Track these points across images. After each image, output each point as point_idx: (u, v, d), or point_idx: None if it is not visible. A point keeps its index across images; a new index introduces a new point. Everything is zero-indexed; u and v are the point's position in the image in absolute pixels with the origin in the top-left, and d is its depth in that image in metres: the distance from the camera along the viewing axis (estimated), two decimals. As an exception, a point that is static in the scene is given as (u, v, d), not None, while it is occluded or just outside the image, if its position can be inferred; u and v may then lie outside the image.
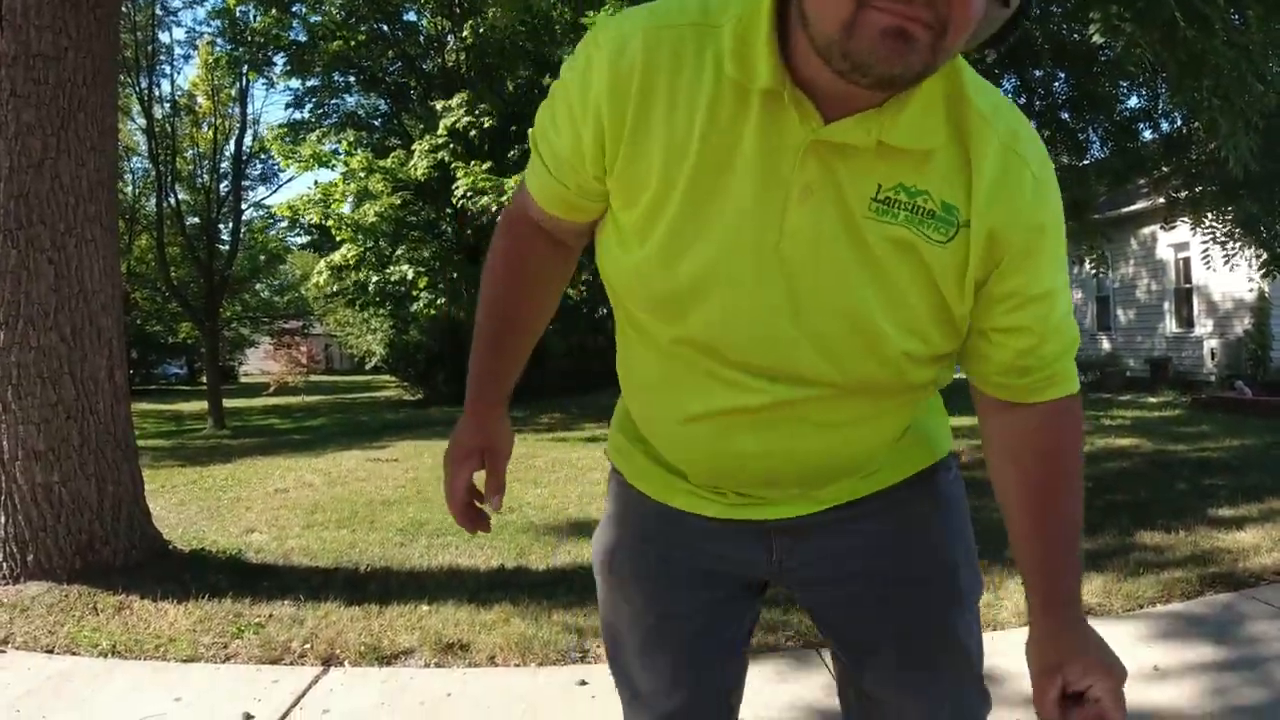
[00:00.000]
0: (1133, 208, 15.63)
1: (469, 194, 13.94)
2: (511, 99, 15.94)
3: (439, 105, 15.40)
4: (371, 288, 16.64)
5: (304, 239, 21.36)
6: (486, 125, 14.74)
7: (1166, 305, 16.44)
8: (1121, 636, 3.75)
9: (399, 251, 15.33)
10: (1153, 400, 13.83)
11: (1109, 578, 4.41)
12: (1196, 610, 4.03)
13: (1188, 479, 7.14)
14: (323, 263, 16.29)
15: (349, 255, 15.64)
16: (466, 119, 14.70)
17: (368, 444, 13.47)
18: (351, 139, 17.34)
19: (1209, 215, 8.82)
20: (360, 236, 15.31)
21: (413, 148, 15.24)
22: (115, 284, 4.85)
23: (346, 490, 8.98)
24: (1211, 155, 8.07)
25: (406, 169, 14.99)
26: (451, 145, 14.77)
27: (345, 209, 15.80)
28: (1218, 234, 8.75)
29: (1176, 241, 15.70)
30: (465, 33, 15.53)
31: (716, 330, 1.07)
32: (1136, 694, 3.20)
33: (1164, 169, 9.09)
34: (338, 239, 15.72)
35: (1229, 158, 5.45)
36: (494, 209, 13.83)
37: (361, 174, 15.19)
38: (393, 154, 15.57)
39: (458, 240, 16.63)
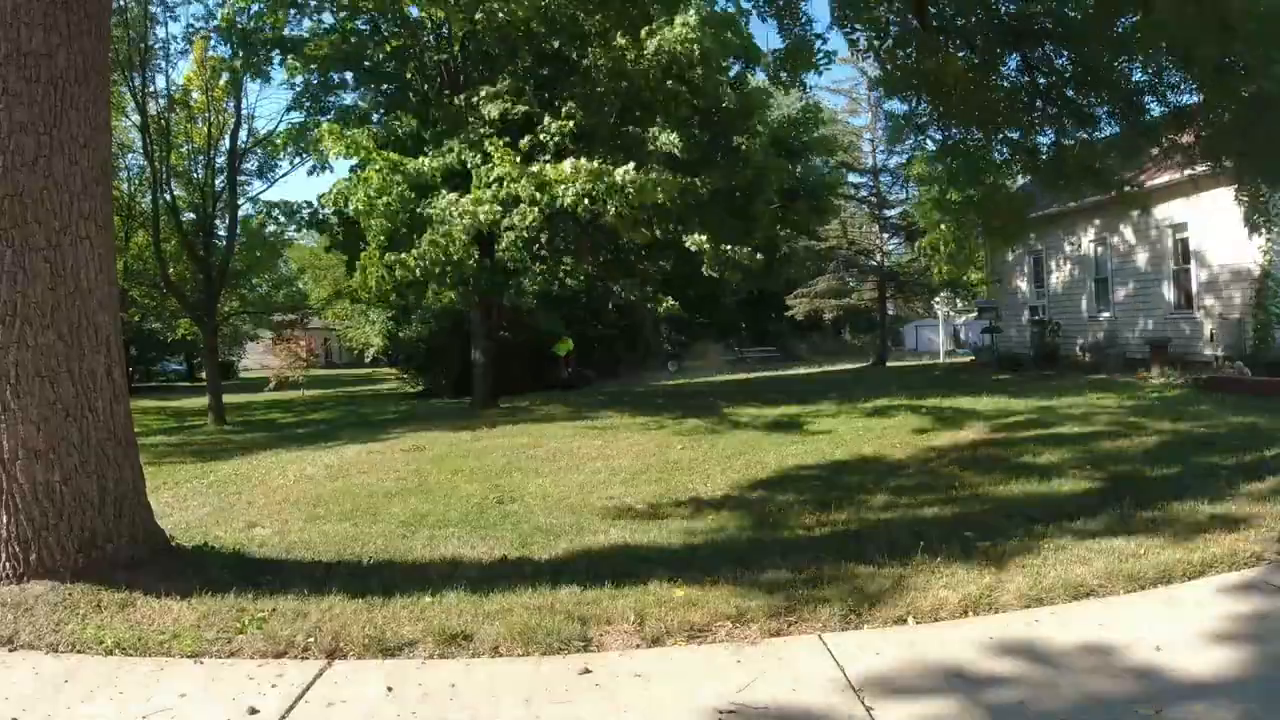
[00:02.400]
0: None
1: (503, 179, 13.90)
2: (513, 90, 15.88)
3: (482, 91, 15.21)
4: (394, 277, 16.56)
5: (304, 233, 21.19)
6: (521, 112, 14.74)
7: (1165, 286, 16.40)
8: (1122, 617, 3.76)
9: (424, 241, 15.18)
10: (1154, 381, 13.83)
11: (1110, 559, 4.42)
12: (1198, 590, 4.04)
13: (1189, 460, 7.14)
14: (377, 258, 15.66)
15: (424, 254, 15.10)
16: (523, 108, 14.60)
17: (369, 437, 13.48)
18: (352, 134, 17.19)
19: (1237, 185, 8.68)
20: (400, 225, 15.05)
21: (447, 144, 15.10)
22: (111, 281, 4.84)
23: (349, 483, 9.00)
24: (1228, 125, 7.98)
25: (443, 161, 14.85)
26: (491, 136, 14.71)
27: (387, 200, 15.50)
28: (1259, 198, 8.55)
29: (1175, 221, 15.66)
30: (474, 21, 15.42)
31: None
32: (1140, 673, 3.22)
33: (1176, 139, 8.98)
34: (367, 223, 15.29)
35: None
36: (528, 200, 13.82)
37: (392, 171, 14.99)
38: (425, 157, 15.35)
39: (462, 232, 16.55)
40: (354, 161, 16.31)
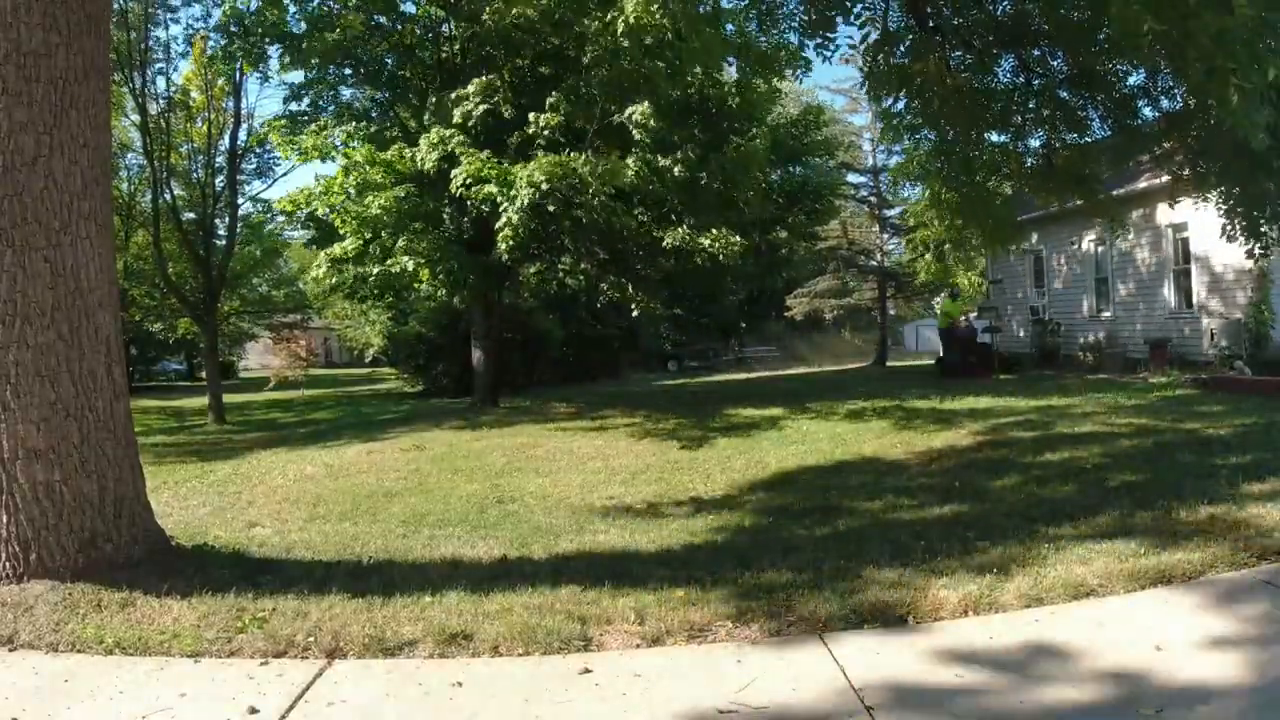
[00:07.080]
0: (1132, 187, 15.57)
1: (469, 182, 13.80)
2: (484, 89, 15.85)
3: (452, 95, 15.18)
4: (372, 280, 16.58)
5: (302, 233, 21.24)
6: (505, 114, 14.66)
7: (1165, 286, 16.40)
8: (1123, 616, 3.76)
9: (400, 243, 15.18)
10: (1154, 381, 13.82)
11: (1110, 559, 4.41)
12: (1198, 590, 4.04)
13: (1190, 460, 7.13)
14: (322, 255, 16.11)
15: (349, 248, 15.46)
16: (484, 106, 14.50)
17: (369, 437, 13.48)
18: (350, 130, 17.17)
19: (1214, 194, 8.68)
20: (363, 229, 15.12)
21: (420, 140, 15.04)
22: (111, 281, 4.84)
23: (349, 483, 9.00)
24: (1214, 130, 7.96)
25: (412, 160, 14.82)
26: (459, 136, 14.62)
27: (346, 200, 15.54)
28: (1231, 209, 8.53)
29: (1175, 221, 15.64)
30: (467, 21, 15.38)
31: None
32: (1141, 673, 3.22)
33: (1165, 145, 8.97)
34: (342, 231, 15.48)
35: (1240, 132, 5.39)
36: (498, 200, 13.70)
37: (367, 165, 15.01)
38: (394, 147, 15.34)
39: (457, 231, 16.52)
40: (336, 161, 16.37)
